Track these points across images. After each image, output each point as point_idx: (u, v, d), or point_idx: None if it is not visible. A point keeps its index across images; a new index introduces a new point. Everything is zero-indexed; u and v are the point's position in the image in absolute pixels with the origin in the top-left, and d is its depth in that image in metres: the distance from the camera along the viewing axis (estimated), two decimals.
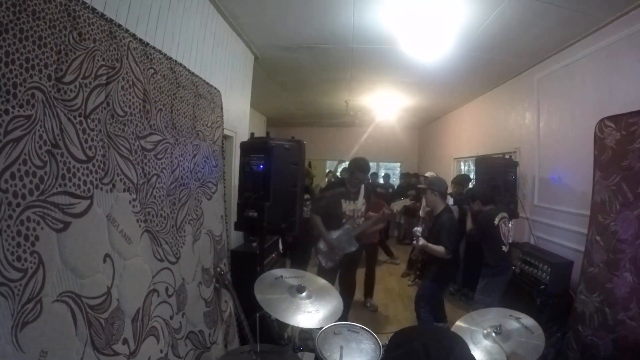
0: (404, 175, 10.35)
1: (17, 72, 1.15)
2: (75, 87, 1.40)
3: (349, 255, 4.01)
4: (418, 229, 3.92)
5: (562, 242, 3.91)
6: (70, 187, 1.36)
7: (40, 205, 1.22)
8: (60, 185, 1.32)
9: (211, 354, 2.46)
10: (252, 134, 3.26)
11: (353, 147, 9.97)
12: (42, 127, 1.25)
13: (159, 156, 2.03)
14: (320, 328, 2.12)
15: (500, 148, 5.71)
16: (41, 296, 1.20)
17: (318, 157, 11.07)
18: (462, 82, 5.90)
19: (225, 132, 3.29)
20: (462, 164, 8.06)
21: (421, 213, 5.85)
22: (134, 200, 1.79)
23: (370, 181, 8.28)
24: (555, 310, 3.35)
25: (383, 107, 7.78)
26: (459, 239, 3.98)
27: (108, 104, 1.61)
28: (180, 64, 2.40)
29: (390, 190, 9.25)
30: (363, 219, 4.06)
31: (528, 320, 2.02)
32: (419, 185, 7.76)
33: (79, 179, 1.41)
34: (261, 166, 2.74)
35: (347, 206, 3.99)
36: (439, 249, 3.68)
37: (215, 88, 2.93)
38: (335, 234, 3.93)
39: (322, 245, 4.00)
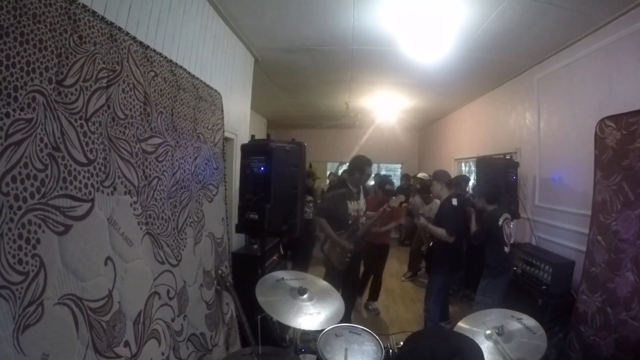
0: (404, 177, 10.35)
1: (17, 76, 1.15)
2: (76, 90, 1.41)
3: (352, 256, 3.98)
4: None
5: (564, 243, 3.90)
6: (71, 190, 1.36)
7: (41, 209, 1.22)
8: (61, 188, 1.32)
9: (213, 357, 2.45)
10: (252, 136, 3.26)
11: (353, 149, 9.95)
12: (43, 130, 1.25)
13: (160, 159, 2.03)
14: (322, 330, 2.12)
15: (501, 148, 5.70)
16: (42, 299, 1.20)
17: (319, 159, 11.04)
18: (462, 82, 5.89)
19: (226, 134, 3.29)
20: (462, 164, 8.06)
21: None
22: (135, 203, 1.79)
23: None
24: (557, 311, 3.34)
25: (383, 108, 7.78)
26: (461, 225, 4.01)
27: (109, 107, 1.61)
28: (181, 67, 2.40)
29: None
30: (365, 217, 4.06)
31: (530, 321, 2.01)
32: (412, 182, 7.77)
33: (80, 182, 1.41)
34: (262, 168, 2.74)
35: (351, 207, 3.96)
36: (440, 230, 3.84)
37: (215, 90, 2.93)
38: (343, 236, 3.88)
39: (330, 247, 3.94)
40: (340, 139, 11.36)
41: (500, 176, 4.52)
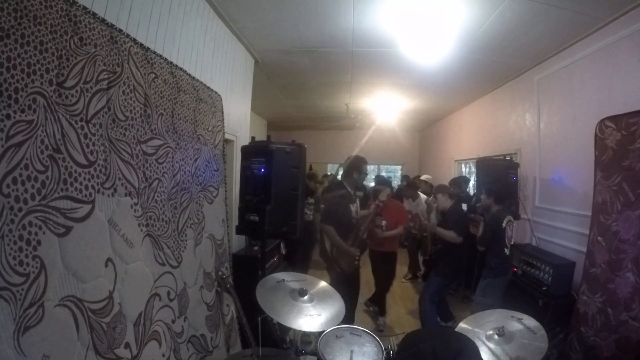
0: (404, 178, 10.35)
1: (18, 77, 1.15)
2: (76, 92, 1.41)
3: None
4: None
5: (564, 243, 3.90)
6: (71, 191, 1.37)
7: (42, 210, 1.23)
8: (62, 189, 1.32)
9: (213, 358, 2.45)
10: (252, 138, 3.27)
11: (354, 150, 9.93)
12: (44, 131, 1.25)
13: (160, 160, 2.04)
14: (322, 331, 2.12)
15: (501, 149, 5.71)
16: (43, 300, 1.20)
17: (319, 160, 11.05)
18: (462, 84, 5.90)
19: (226, 136, 3.29)
20: (463, 165, 8.06)
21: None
22: (136, 204, 1.79)
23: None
24: (558, 312, 3.34)
25: (383, 109, 7.79)
26: (466, 229, 4.07)
27: (109, 109, 1.62)
28: (181, 68, 2.41)
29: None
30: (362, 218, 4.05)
31: (530, 322, 2.01)
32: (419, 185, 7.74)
33: (81, 184, 1.41)
34: (262, 170, 2.74)
35: (353, 209, 3.92)
36: (449, 232, 3.99)
37: (215, 92, 2.94)
38: (349, 241, 3.79)
39: (338, 254, 3.82)
40: (341, 141, 11.37)
41: (501, 177, 4.53)
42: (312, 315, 2.08)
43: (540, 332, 1.92)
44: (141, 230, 1.83)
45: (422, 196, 5.99)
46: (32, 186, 1.19)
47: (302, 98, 7.55)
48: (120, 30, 1.75)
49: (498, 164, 5.01)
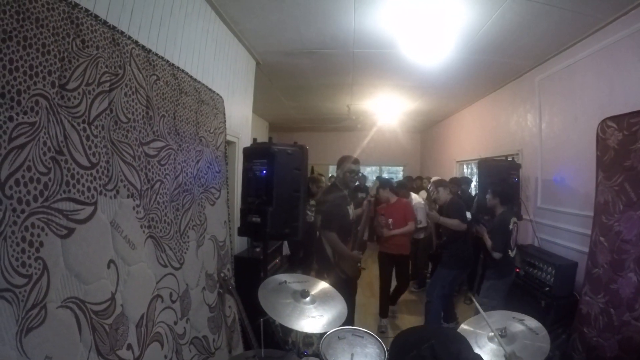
0: (406, 179, 10.35)
1: (21, 80, 1.16)
2: (78, 94, 1.42)
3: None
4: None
5: (566, 244, 3.89)
6: (74, 193, 1.37)
7: (44, 212, 1.23)
8: (64, 191, 1.32)
9: None
10: (254, 140, 3.26)
11: (355, 152, 9.93)
12: (46, 133, 1.26)
13: (162, 162, 2.04)
14: (325, 333, 2.12)
15: (503, 150, 5.71)
16: (45, 302, 1.20)
17: (320, 162, 11.05)
18: (464, 84, 5.90)
19: (228, 137, 3.30)
20: (464, 166, 8.06)
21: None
22: (138, 206, 1.80)
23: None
24: (560, 312, 3.33)
25: (385, 111, 7.78)
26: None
27: (111, 111, 1.62)
28: (183, 70, 2.41)
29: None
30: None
31: (532, 322, 2.00)
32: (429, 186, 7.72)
33: (83, 185, 1.42)
34: (264, 171, 2.74)
35: (351, 211, 3.83)
36: (453, 220, 4.02)
37: (217, 94, 2.94)
38: (350, 244, 3.68)
39: (341, 260, 3.64)
40: (342, 142, 11.35)
41: (504, 178, 4.52)
42: (314, 317, 2.08)
43: (543, 332, 1.91)
44: (143, 231, 1.84)
45: (414, 195, 5.97)
46: (35, 188, 1.20)
47: (303, 99, 7.55)
48: (122, 33, 1.75)
49: (500, 164, 5.00)
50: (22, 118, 1.16)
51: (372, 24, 3.67)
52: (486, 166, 4.86)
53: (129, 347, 1.61)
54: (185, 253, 2.23)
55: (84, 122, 1.44)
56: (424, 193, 6.79)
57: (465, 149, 7.66)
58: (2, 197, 1.08)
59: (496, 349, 1.86)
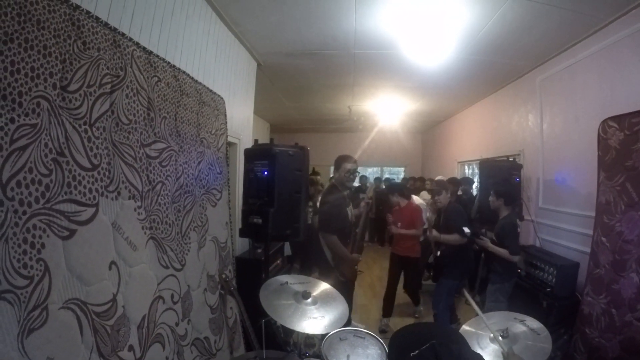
0: (404, 181, 10.34)
1: (22, 81, 1.16)
2: (80, 95, 1.42)
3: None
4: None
5: (568, 244, 3.89)
6: (75, 195, 1.37)
7: (46, 213, 1.23)
8: (65, 193, 1.33)
9: None
10: (255, 141, 3.26)
11: (356, 152, 9.92)
12: (48, 135, 1.26)
13: (163, 164, 2.04)
14: (326, 334, 2.11)
15: (504, 151, 5.70)
16: (47, 303, 1.20)
17: (322, 163, 11.05)
18: (465, 85, 5.90)
19: (229, 139, 3.30)
20: (466, 167, 8.05)
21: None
22: (139, 207, 1.80)
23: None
24: (562, 313, 3.32)
25: (386, 111, 7.79)
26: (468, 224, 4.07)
27: (113, 112, 1.63)
28: (184, 72, 2.42)
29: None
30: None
31: (534, 323, 2.00)
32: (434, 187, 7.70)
33: (85, 187, 1.42)
34: (265, 172, 2.75)
35: (350, 213, 3.77)
36: (452, 236, 3.89)
37: (218, 95, 2.95)
38: (349, 246, 3.65)
39: (341, 262, 3.62)
40: (344, 143, 11.35)
41: (505, 178, 4.51)
42: (316, 318, 2.07)
43: (544, 333, 1.91)
44: (145, 233, 1.84)
45: (414, 197, 5.94)
46: (36, 189, 1.20)
47: (304, 101, 7.56)
48: (123, 34, 1.76)
49: (501, 165, 5.00)
50: (24, 120, 1.16)
51: (373, 25, 3.67)
52: (488, 167, 4.86)
53: (131, 348, 1.61)
54: (186, 254, 2.23)
55: (85, 123, 1.44)
56: (424, 194, 6.79)
57: (467, 150, 7.66)
58: (3, 199, 1.09)
59: (498, 350, 1.86)
